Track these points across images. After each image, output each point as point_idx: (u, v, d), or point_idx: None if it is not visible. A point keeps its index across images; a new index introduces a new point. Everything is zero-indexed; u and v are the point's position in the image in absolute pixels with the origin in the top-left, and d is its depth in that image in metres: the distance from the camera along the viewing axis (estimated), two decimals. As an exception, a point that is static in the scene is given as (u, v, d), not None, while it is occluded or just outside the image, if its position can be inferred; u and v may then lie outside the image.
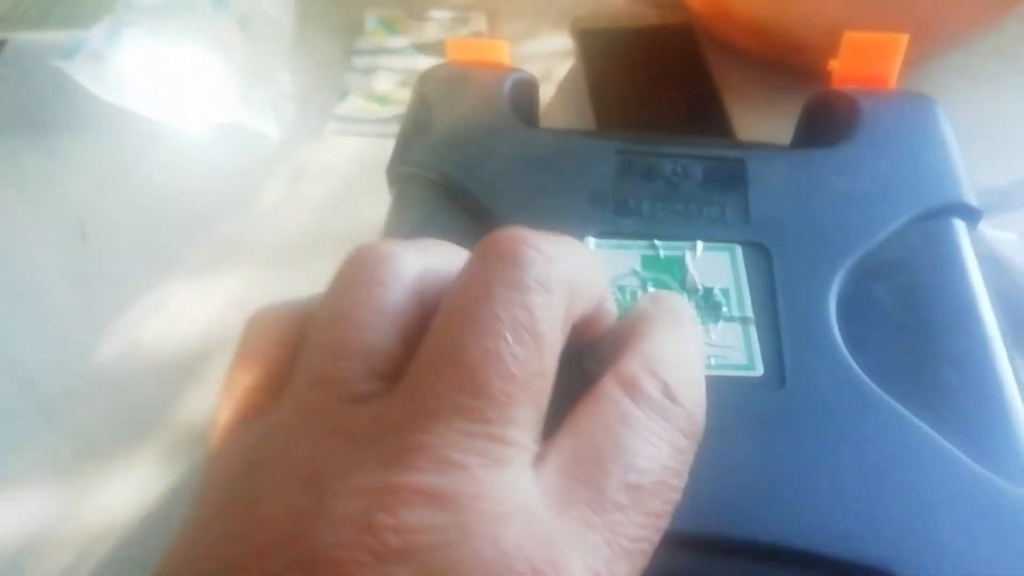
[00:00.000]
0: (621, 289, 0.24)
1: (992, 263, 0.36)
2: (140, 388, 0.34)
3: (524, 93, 0.32)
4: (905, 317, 0.24)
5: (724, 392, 0.22)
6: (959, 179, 0.27)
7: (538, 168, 0.28)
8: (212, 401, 0.23)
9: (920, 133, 0.29)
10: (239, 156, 0.43)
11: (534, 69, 0.33)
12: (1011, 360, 0.23)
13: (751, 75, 0.46)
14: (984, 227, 0.37)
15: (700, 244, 0.25)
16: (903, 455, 0.20)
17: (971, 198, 0.27)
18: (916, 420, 0.21)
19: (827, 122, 0.31)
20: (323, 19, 0.51)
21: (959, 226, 0.26)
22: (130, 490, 0.31)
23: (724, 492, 0.20)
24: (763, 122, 0.43)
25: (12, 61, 0.51)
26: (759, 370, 0.22)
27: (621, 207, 0.27)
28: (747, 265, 0.25)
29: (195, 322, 0.36)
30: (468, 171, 0.27)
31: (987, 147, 0.42)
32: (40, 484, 0.32)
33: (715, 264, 0.25)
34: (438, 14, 0.51)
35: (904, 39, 0.31)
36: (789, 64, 0.45)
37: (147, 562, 0.26)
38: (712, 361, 0.23)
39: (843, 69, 0.32)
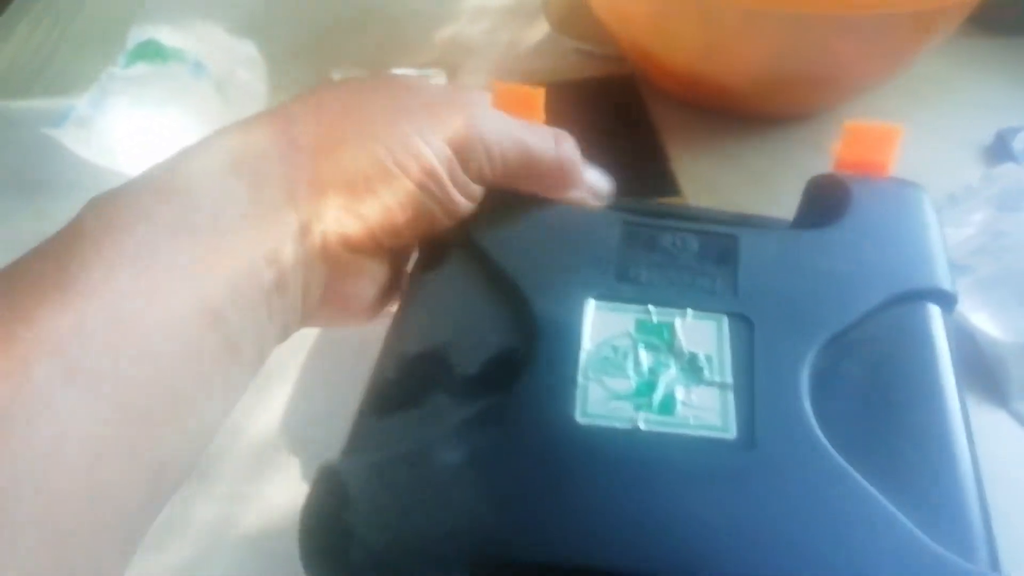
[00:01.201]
0: (615, 349, 0.27)
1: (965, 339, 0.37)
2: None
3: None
4: (873, 393, 0.26)
5: (698, 450, 0.24)
6: (937, 265, 0.29)
7: (549, 234, 0.30)
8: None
9: (904, 219, 0.31)
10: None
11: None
12: (969, 438, 0.25)
13: (687, 119, 0.52)
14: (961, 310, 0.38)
15: (690, 312, 0.28)
16: (852, 518, 0.22)
17: (947, 284, 0.29)
18: (871, 488, 0.23)
19: (824, 203, 0.33)
20: (293, 80, 0.55)
21: (933, 310, 0.28)
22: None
23: (687, 539, 0.22)
24: (698, 159, 0.50)
25: (-1, 127, 0.54)
26: (732, 433, 0.25)
27: (622, 274, 0.29)
28: (731, 334, 0.27)
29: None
30: (486, 233, 0.30)
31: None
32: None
33: (702, 331, 0.28)
34: (400, 72, 0.55)
35: (899, 131, 0.34)
36: (720, 108, 0.52)
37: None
38: (691, 420, 0.25)
39: (844, 155, 0.34)
